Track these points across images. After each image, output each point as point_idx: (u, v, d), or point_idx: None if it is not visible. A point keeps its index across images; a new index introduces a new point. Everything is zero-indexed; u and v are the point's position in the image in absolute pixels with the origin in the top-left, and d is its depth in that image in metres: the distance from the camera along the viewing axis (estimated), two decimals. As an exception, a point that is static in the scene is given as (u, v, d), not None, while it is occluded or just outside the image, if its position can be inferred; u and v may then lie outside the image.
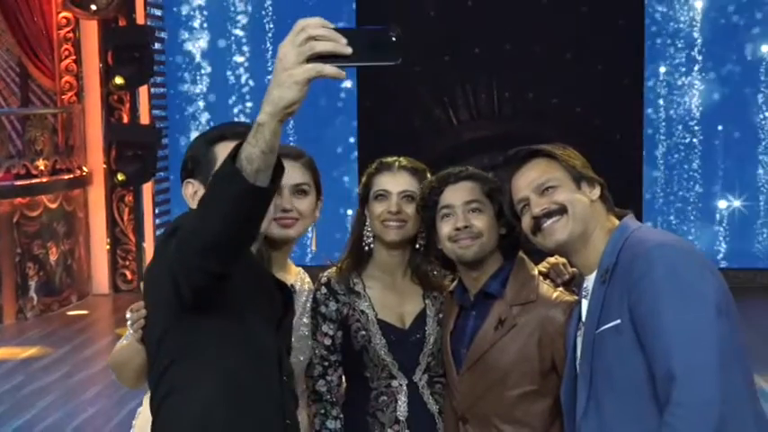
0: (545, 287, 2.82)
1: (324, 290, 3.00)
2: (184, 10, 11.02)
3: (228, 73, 10.99)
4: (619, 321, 2.36)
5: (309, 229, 3.05)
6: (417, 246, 3.00)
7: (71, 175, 10.51)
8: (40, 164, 10.14)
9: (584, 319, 2.51)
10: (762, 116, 10.58)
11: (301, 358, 2.95)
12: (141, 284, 2.49)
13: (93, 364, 7.92)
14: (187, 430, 2.24)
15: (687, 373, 2.21)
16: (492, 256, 2.85)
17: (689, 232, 10.56)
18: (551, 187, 2.54)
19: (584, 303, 2.52)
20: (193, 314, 2.20)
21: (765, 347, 7.18)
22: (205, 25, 11.02)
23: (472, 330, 2.84)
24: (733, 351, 2.29)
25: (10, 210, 9.68)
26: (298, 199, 2.92)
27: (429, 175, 2.98)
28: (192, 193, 2.41)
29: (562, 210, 2.51)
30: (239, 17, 10.98)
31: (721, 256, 10.61)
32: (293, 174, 2.91)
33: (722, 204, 10.67)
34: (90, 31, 10.80)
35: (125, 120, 10.82)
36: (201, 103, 11.08)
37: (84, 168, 10.77)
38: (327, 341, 2.98)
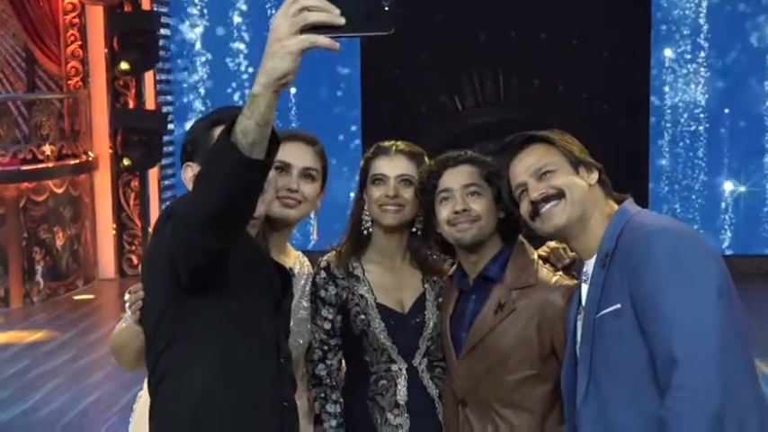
0: (544, 271, 2.82)
1: (323, 274, 3.01)
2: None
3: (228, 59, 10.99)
4: (619, 306, 2.35)
5: (312, 215, 3.07)
6: (415, 230, 3.00)
7: (77, 161, 10.54)
8: (47, 149, 10.16)
9: (584, 303, 2.51)
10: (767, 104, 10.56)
11: (300, 341, 2.97)
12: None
13: (99, 348, 7.94)
14: (183, 411, 2.25)
15: (688, 357, 2.20)
16: (491, 240, 2.85)
17: (694, 220, 10.54)
18: (549, 172, 2.53)
19: (585, 288, 2.52)
20: (191, 296, 2.21)
21: (768, 333, 7.16)
22: (205, 11, 10.99)
23: (472, 314, 2.84)
24: (734, 335, 2.28)
25: (17, 195, 9.72)
26: (305, 182, 2.94)
27: (427, 159, 2.98)
28: (192, 176, 2.41)
29: (560, 194, 2.50)
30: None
31: (726, 243, 10.59)
32: (305, 156, 2.94)
33: (727, 192, 10.66)
34: (96, 17, 10.81)
35: (131, 105, 10.84)
36: (202, 90, 11.07)
37: (91, 153, 10.79)
38: (327, 325, 2.98)
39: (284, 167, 2.90)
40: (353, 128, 10.88)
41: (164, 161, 10.86)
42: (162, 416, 2.32)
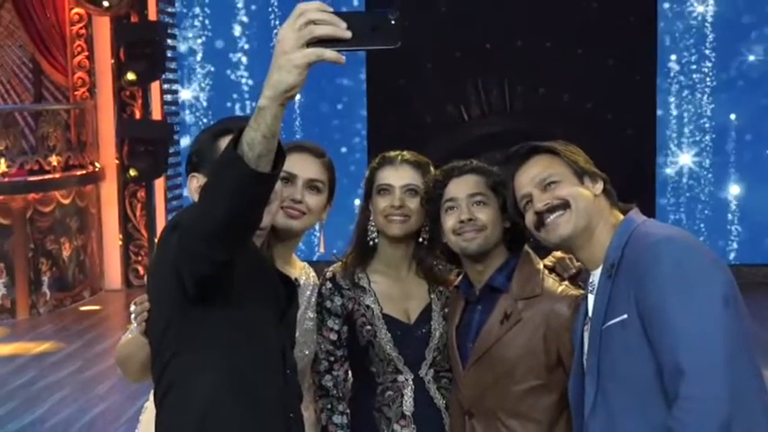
0: (550, 281, 2.81)
1: (329, 285, 3.01)
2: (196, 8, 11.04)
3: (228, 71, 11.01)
4: (625, 316, 2.35)
5: (317, 228, 3.06)
6: (421, 239, 3.00)
7: (84, 171, 10.56)
8: (53, 160, 10.19)
9: (590, 314, 2.50)
10: (774, 115, 10.56)
11: (306, 352, 2.96)
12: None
13: (106, 359, 7.93)
14: (189, 422, 2.24)
15: (695, 367, 2.20)
16: (496, 250, 2.84)
17: (700, 230, 10.53)
18: (554, 182, 2.53)
19: (591, 298, 2.51)
20: (196, 307, 2.20)
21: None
22: (207, 23, 11.01)
23: (478, 324, 2.84)
24: (741, 344, 2.28)
25: (23, 205, 9.73)
26: (310, 194, 2.93)
27: (432, 169, 2.98)
28: (197, 186, 2.41)
29: (565, 204, 2.50)
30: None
31: (733, 254, 10.57)
32: (311, 168, 2.93)
33: (734, 202, 10.64)
34: (102, 28, 10.84)
35: (137, 115, 10.86)
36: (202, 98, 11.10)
37: (97, 164, 10.81)
38: (333, 336, 2.98)
39: (289, 178, 2.89)
40: (356, 139, 10.90)
41: (170, 171, 10.87)
42: (168, 427, 2.31)
